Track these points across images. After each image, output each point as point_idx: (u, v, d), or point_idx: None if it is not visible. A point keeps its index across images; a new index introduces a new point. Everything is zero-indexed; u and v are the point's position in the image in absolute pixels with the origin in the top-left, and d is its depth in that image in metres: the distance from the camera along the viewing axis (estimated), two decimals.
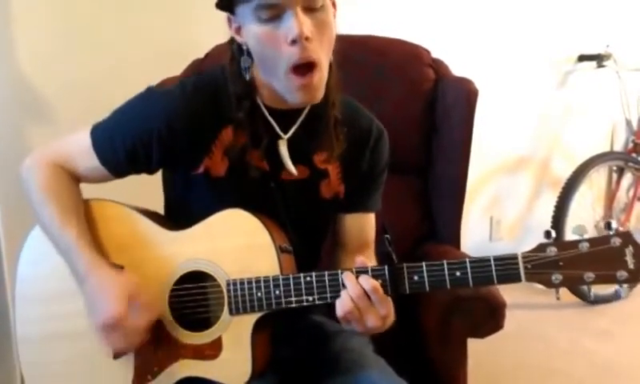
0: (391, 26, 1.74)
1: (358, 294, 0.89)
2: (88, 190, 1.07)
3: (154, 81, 1.41)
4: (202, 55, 1.52)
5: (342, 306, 0.89)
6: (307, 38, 0.88)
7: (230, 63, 0.99)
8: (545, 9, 2.63)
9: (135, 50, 1.88)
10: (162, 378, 0.99)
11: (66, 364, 1.02)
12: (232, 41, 0.99)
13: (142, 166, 1.03)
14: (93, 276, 0.95)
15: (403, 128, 1.48)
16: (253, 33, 0.91)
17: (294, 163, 1.02)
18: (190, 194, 1.04)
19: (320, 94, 0.94)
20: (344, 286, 0.90)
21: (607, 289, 2.57)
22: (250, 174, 1.00)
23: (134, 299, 0.93)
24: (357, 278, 0.90)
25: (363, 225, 1.12)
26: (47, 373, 1.03)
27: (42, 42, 1.77)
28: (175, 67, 1.50)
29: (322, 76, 0.92)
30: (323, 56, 0.91)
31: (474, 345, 1.23)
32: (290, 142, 1.02)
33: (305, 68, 0.90)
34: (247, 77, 0.97)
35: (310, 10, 0.88)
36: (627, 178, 2.86)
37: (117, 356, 0.98)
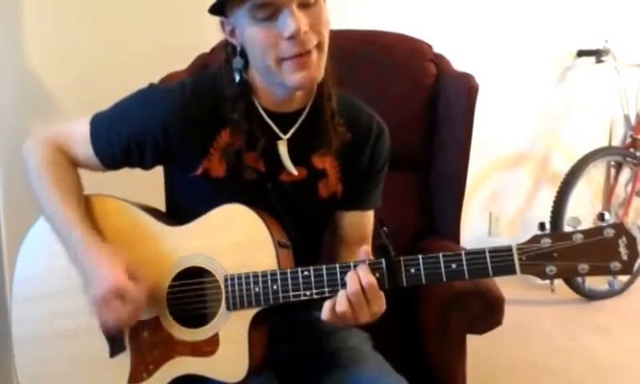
0: (393, 21, 1.73)
1: (355, 291, 0.88)
2: (87, 186, 1.06)
3: (160, 75, 1.41)
4: (207, 50, 1.51)
5: (338, 304, 0.89)
6: (305, 32, 0.88)
7: (224, 65, 0.99)
8: (544, 4, 2.63)
9: (140, 45, 1.87)
10: (158, 376, 0.98)
11: (60, 364, 1.01)
12: (226, 43, 0.99)
13: (135, 163, 1.03)
14: (92, 250, 0.95)
15: (404, 123, 1.47)
16: (248, 33, 0.91)
17: (293, 164, 1.02)
18: (189, 194, 1.04)
19: (319, 74, 0.93)
20: (343, 284, 0.90)
21: (604, 284, 2.57)
22: (245, 176, 1.00)
23: (132, 272, 0.94)
24: (355, 268, 0.90)
25: (362, 221, 1.12)
26: (42, 373, 1.03)
27: (48, 38, 1.76)
28: (181, 62, 1.50)
29: (320, 56, 0.92)
30: (321, 38, 0.91)
31: (472, 341, 1.23)
32: (289, 142, 1.01)
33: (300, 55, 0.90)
34: (238, 78, 0.97)
35: (304, 5, 0.89)
36: (625, 173, 2.85)
37: (116, 347, 0.97)
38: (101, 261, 0.94)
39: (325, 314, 0.91)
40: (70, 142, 1.04)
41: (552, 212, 2.52)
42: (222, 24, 0.96)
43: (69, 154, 1.04)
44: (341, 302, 0.89)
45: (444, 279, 0.89)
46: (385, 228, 0.91)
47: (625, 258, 0.84)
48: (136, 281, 0.93)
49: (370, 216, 1.13)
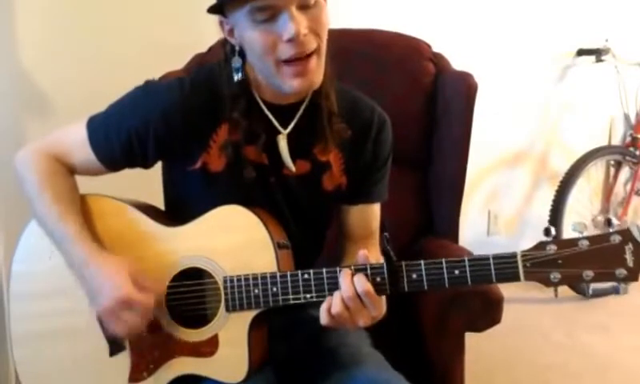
0: (392, 20, 1.72)
1: (350, 296, 0.88)
2: (84, 185, 1.06)
3: (156, 75, 1.40)
4: (204, 49, 1.51)
5: (334, 307, 0.89)
6: (305, 35, 0.88)
7: (224, 64, 0.99)
8: (544, 3, 2.62)
9: (137, 44, 1.87)
10: (158, 376, 0.98)
11: (60, 362, 1.01)
12: (224, 42, 0.99)
13: (138, 160, 1.02)
14: (93, 263, 0.95)
15: (403, 122, 1.46)
16: (248, 36, 0.91)
17: (296, 157, 1.01)
18: (188, 189, 1.04)
19: (318, 79, 0.94)
20: (339, 287, 0.89)
21: (604, 282, 2.57)
22: (246, 170, 0.99)
23: (137, 280, 0.93)
24: (355, 272, 0.89)
25: (367, 215, 1.11)
26: (41, 371, 1.03)
27: (44, 36, 1.76)
28: (177, 61, 1.49)
29: (319, 61, 0.92)
30: (320, 43, 0.91)
31: (470, 338, 1.23)
32: (290, 136, 1.01)
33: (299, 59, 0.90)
34: (237, 77, 0.96)
35: (304, 7, 0.88)
36: (625, 172, 2.86)
37: (116, 346, 0.98)
38: (106, 272, 0.94)
39: (322, 318, 0.90)
40: (66, 148, 1.03)
41: (551, 211, 2.52)
42: (221, 23, 0.96)
43: (65, 161, 1.03)
44: (336, 303, 0.89)
45: (446, 285, 0.88)
46: (386, 233, 0.91)
47: (631, 264, 0.83)
48: (142, 288, 0.93)
49: (375, 210, 1.12)
